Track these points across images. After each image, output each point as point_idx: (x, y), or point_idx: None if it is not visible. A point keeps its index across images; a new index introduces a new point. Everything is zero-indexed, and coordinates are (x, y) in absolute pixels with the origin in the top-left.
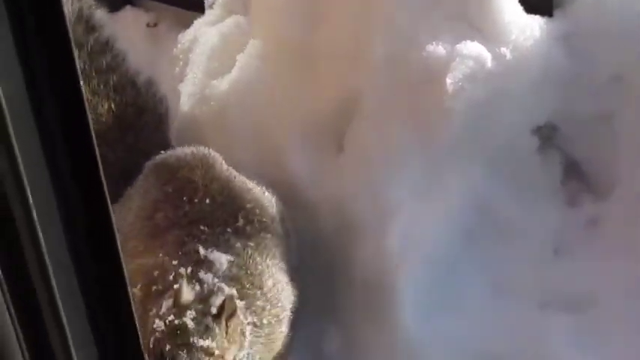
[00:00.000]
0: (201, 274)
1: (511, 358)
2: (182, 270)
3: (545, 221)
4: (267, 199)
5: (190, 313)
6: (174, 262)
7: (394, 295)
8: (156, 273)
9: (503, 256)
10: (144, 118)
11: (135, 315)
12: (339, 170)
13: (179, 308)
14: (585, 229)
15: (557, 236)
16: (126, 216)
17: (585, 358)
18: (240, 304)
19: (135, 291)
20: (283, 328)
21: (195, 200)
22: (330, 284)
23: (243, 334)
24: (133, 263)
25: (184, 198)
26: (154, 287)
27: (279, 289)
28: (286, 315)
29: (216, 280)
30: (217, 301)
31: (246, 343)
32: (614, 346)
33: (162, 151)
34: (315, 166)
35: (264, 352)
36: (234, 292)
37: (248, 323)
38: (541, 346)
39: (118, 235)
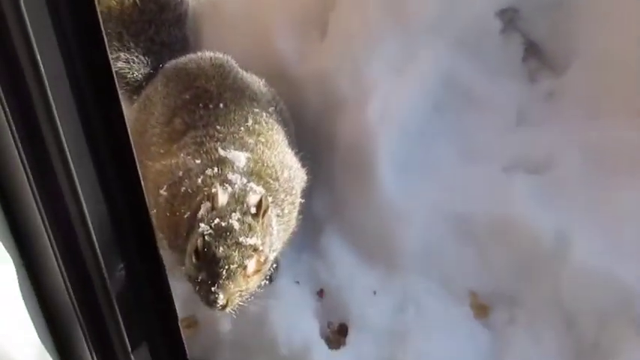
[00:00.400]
0: (230, 175)
1: (479, 216)
2: (209, 171)
3: (508, 95)
4: (269, 96)
5: (235, 215)
6: (197, 162)
7: (374, 159)
8: (180, 173)
9: (470, 125)
10: (164, 15)
11: (136, 162)
12: (323, 50)
13: (219, 211)
14: (544, 101)
15: (519, 108)
16: (149, 119)
17: (545, 213)
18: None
19: (161, 192)
20: (297, 212)
21: (210, 106)
22: (317, 150)
23: (271, 225)
24: (157, 164)
25: (200, 104)
26: (183, 189)
27: (292, 177)
28: (299, 200)
29: (244, 179)
30: (252, 200)
31: (275, 232)
32: (571, 201)
33: (181, 48)
34: (302, 47)
35: (284, 236)
36: (263, 190)
37: (275, 215)
38: (506, 204)
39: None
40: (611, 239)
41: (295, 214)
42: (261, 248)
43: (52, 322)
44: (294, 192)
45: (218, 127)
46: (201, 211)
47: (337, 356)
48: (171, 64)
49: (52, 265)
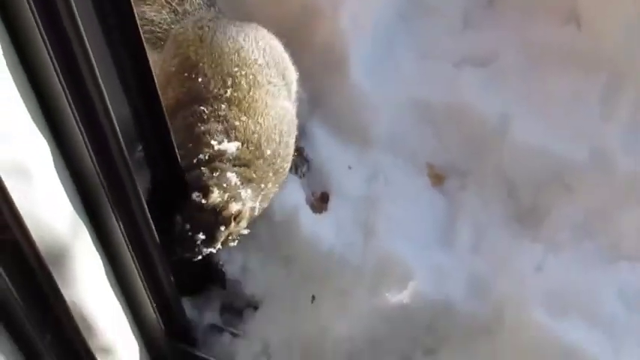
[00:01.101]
0: (228, 174)
1: (435, 103)
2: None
3: (456, 3)
4: (259, 52)
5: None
6: (190, 146)
7: (347, 59)
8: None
9: (426, 30)
10: None
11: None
12: None
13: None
14: (486, 7)
15: (465, 13)
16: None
17: (490, 100)
18: (249, 194)
19: None
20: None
21: (192, 76)
22: (298, 52)
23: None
24: None
25: (185, 74)
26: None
27: (283, 154)
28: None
29: (238, 182)
30: (232, 209)
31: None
32: (511, 89)
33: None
34: None
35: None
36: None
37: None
38: (457, 92)
39: None
40: (544, 120)
41: (286, 169)
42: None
43: (82, 193)
44: (281, 165)
45: (201, 108)
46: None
47: (321, 219)
48: (175, 27)
49: (81, 148)
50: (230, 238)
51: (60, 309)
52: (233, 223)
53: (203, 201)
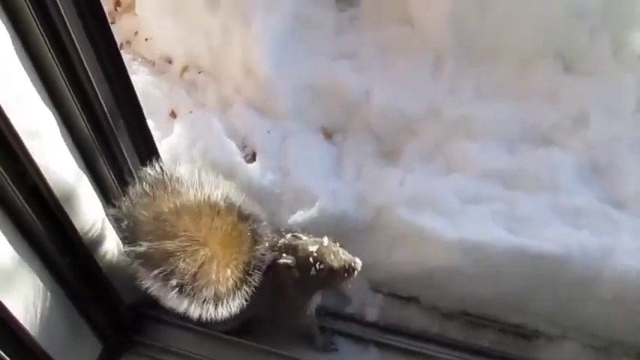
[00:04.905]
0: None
1: (321, 85)
2: None
3: (329, 19)
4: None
5: None
6: None
7: (261, 60)
8: None
9: (312, 37)
10: None
11: None
12: None
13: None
14: (349, 22)
15: (337, 25)
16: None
17: (357, 80)
18: None
19: None
20: None
21: None
22: (226, 57)
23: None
24: None
25: None
26: None
27: None
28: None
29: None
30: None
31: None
32: (370, 72)
33: None
34: None
35: None
36: None
37: None
38: (335, 77)
39: None
40: (394, 90)
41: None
42: None
43: (81, 151)
44: None
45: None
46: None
47: (252, 167)
48: None
49: (77, 118)
50: None
51: (71, 232)
52: None
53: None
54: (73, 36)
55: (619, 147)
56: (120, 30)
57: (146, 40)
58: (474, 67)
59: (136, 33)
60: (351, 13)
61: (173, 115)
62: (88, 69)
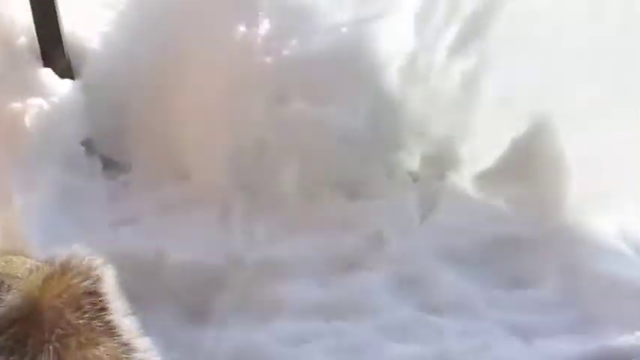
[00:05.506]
0: None
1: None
2: None
3: (101, 190)
4: None
5: None
6: None
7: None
8: None
9: (87, 208)
10: None
11: None
12: None
13: None
14: (123, 187)
15: (109, 194)
16: None
17: (145, 242)
18: None
19: None
20: None
21: None
22: None
23: None
24: None
25: None
26: None
27: None
28: None
29: None
30: None
31: None
32: (158, 232)
33: None
34: None
35: None
36: None
37: None
38: (120, 246)
39: None
40: (188, 244)
41: None
42: None
43: None
44: None
45: None
46: None
47: None
48: None
49: None
50: None
51: None
52: None
53: None
54: None
55: (419, 257)
56: None
57: None
58: (262, 208)
59: None
60: (123, 179)
61: None
62: None
